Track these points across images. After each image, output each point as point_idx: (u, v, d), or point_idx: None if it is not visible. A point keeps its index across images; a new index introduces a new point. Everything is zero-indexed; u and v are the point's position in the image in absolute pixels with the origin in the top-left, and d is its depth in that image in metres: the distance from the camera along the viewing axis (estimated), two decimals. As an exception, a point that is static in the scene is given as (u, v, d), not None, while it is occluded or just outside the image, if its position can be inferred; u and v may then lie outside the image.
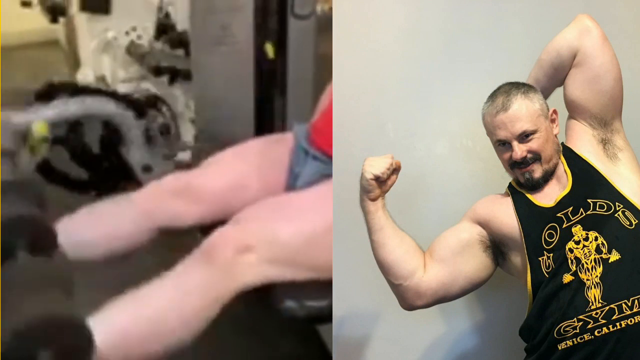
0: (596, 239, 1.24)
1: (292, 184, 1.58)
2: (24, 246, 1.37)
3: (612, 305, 1.19)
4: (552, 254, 1.26)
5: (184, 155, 2.16)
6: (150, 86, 2.53)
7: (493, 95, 1.35)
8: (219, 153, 1.67)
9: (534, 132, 1.30)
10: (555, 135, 1.36)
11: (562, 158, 1.35)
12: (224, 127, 2.07)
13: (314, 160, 1.56)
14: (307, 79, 2.02)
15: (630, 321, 1.18)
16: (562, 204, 1.29)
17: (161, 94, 2.44)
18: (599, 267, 1.22)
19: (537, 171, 1.32)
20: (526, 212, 1.33)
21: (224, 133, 2.04)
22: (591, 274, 1.21)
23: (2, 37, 3.57)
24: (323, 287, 1.39)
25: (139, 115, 2.05)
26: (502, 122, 1.31)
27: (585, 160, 1.34)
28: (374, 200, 1.32)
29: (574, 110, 1.39)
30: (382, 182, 1.31)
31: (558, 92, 1.42)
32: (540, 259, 1.27)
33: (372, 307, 1.70)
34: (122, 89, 2.69)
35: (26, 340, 1.08)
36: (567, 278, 1.23)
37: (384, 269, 1.36)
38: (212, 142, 2.01)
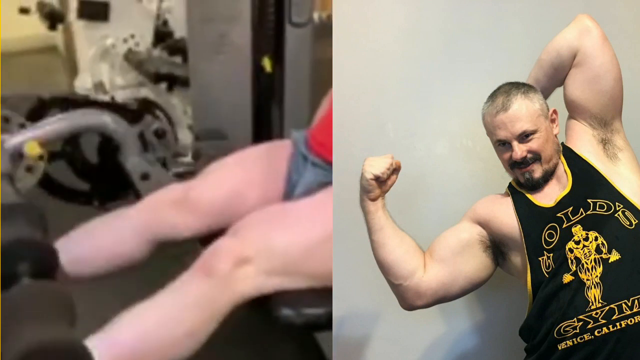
0: (596, 239, 1.24)
1: (290, 192, 1.57)
2: (26, 270, 1.37)
3: (612, 305, 1.19)
4: (552, 254, 1.26)
5: (181, 167, 2.16)
6: (148, 93, 2.53)
7: (493, 95, 1.35)
8: (216, 162, 1.66)
9: (534, 132, 1.30)
10: (555, 135, 1.36)
11: (562, 158, 1.35)
12: (222, 133, 2.08)
13: (313, 167, 1.55)
14: (305, 86, 2.04)
15: (630, 321, 1.18)
16: (562, 204, 1.29)
17: (159, 101, 2.44)
18: (599, 267, 1.22)
19: (537, 171, 1.32)
20: (526, 212, 1.33)
21: (222, 139, 2.05)
22: (591, 274, 1.22)
23: (1, 44, 3.57)
24: (321, 294, 1.39)
25: (133, 122, 2.05)
26: (502, 122, 1.31)
27: (585, 160, 1.34)
28: (374, 200, 1.32)
29: (574, 110, 1.39)
30: (382, 182, 1.31)
31: (558, 92, 1.42)
32: (540, 259, 1.27)
33: (372, 307, 1.70)
34: (120, 95, 2.69)
35: None
36: (567, 278, 1.23)
37: (384, 269, 1.36)
38: (210, 149, 2.01)
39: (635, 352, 1.18)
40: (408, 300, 1.36)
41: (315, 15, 2.06)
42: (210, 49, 2.00)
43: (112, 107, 2.17)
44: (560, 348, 1.23)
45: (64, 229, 1.58)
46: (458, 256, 1.36)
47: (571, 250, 1.24)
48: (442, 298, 1.37)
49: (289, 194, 1.58)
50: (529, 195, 1.34)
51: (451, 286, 1.36)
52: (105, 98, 2.72)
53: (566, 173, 1.33)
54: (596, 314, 1.19)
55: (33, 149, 1.81)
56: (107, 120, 1.95)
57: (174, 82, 2.47)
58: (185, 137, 2.43)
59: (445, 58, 1.67)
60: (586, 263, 1.22)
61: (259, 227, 1.40)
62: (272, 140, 1.84)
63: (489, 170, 1.58)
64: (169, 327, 1.28)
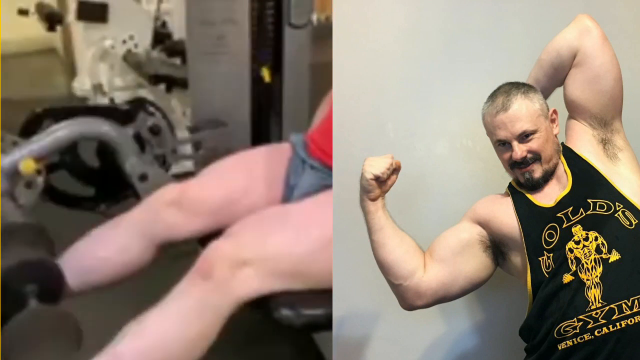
0: (596, 239, 1.24)
1: (288, 196, 1.57)
2: (33, 292, 1.40)
3: (612, 305, 1.19)
4: (552, 254, 1.26)
5: (182, 160, 2.16)
6: (147, 94, 2.54)
7: (493, 95, 1.35)
8: (215, 163, 1.66)
9: (534, 132, 1.30)
10: (555, 135, 1.36)
11: (562, 158, 1.35)
12: (221, 135, 2.08)
13: (312, 170, 1.55)
14: (304, 89, 2.04)
15: (630, 321, 1.18)
16: (562, 204, 1.29)
17: (158, 102, 2.44)
18: (599, 267, 1.22)
19: (537, 171, 1.32)
20: (526, 212, 1.33)
21: (220, 142, 2.05)
22: (591, 274, 1.22)
23: (0, 45, 3.58)
24: (320, 295, 1.39)
25: (126, 123, 2.05)
26: (502, 122, 1.31)
27: (585, 160, 1.34)
28: (374, 200, 1.32)
29: (574, 110, 1.39)
30: (382, 182, 1.31)
31: (558, 92, 1.42)
32: (540, 259, 1.27)
33: (372, 307, 1.70)
34: (119, 97, 2.69)
35: None
36: (567, 278, 1.23)
37: (384, 269, 1.36)
38: (209, 150, 2.02)
39: (635, 352, 1.18)
40: (408, 300, 1.36)
41: (314, 17, 2.06)
42: (209, 51, 2.00)
43: (105, 110, 2.16)
44: (560, 348, 1.23)
45: (74, 236, 1.60)
46: (458, 256, 1.36)
47: (571, 250, 1.24)
48: (442, 298, 1.37)
49: (287, 197, 1.58)
50: (529, 195, 1.34)
51: (451, 286, 1.36)
52: (104, 100, 2.72)
53: (566, 173, 1.33)
54: (596, 314, 1.19)
55: (28, 167, 1.81)
56: (99, 127, 1.94)
57: (173, 83, 2.47)
58: (184, 138, 2.43)
59: (445, 58, 1.67)
60: (586, 263, 1.22)
61: (255, 229, 1.39)
62: (271, 142, 1.84)
63: (489, 170, 1.58)
64: (172, 338, 1.28)
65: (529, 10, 1.66)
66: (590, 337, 1.19)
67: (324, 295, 1.40)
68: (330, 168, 1.52)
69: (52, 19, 3.05)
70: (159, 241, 1.57)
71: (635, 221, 1.25)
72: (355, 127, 1.69)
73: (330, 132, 1.56)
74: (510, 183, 1.40)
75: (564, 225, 1.27)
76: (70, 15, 2.96)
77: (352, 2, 1.68)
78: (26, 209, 1.79)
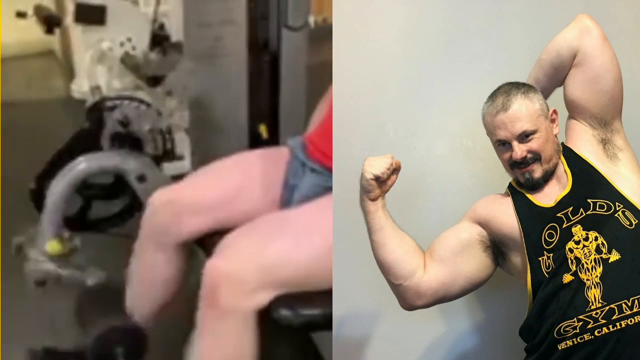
0: (596, 239, 1.24)
1: (289, 197, 1.56)
2: (121, 353, 1.64)
3: (612, 305, 1.19)
4: (552, 254, 1.26)
5: (179, 169, 2.17)
6: (145, 96, 2.54)
7: (493, 95, 1.35)
8: (211, 164, 1.66)
9: (534, 132, 1.30)
10: (555, 135, 1.36)
11: (562, 158, 1.35)
12: (218, 136, 2.09)
13: (313, 173, 1.53)
14: (300, 90, 2.04)
15: (630, 321, 1.18)
16: (562, 204, 1.29)
17: (156, 104, 2.45)
18: (599, 267, 1.22)
19: (537, 171, 1.32)
20: (526, 212, 1.33)
21: (218, 143, 2.06)
22: (591, 274, 1.22)
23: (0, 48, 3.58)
24: (319, 295, 1.39)
25: (99, 133, 2.06)
26: (502, 122, 1.31)
27: (585, 160, 1.34)
28: (374, 200, 1.32)
29: (574, 110, 1.39)
30: (382, 182, 1.31)
31: (558, 92, 1.42)
32: (540, 259, 1.27)
33: (372, 307, 1.70)
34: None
35: None
36: (567, 278, 1.23)
37: (384, 269, 1.36)
38: (206, 152, 2.02)
39: (635, 352, 1.18)
40: (408, 300, 1.36)
41: (311, 19, 2.06)
42: (207, 53, 2.01)
43: (80, 139, 2.15)
44: (560, 348, 1.23)
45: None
46: (458, 256, 1.36)
47: (571, 250, 1.24)
48: (442, 298, 1.37)
49: (287, 201, 1.56)
50: (529, 195, 1.34)
51: (451, 286, 1.36)
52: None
53: (566, 173, 1.33)
54: (596, 314, 1.19)
55: (54, 248, 1.88)
56: (92, 165, 1.96)
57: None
58: (182, 140, 2.44)
59: (445, 58, 1.67)
60: (586, 263, 1.22)
61: (253, 238, 1.38)
62: (268, 144, 1.85)
63: (489, 170, 1.58)
64: None
65: (529, 10, 1.66)
66: (590, 337, 1.19)
67: (322, 295, 1.39)
68: (330, 170, 1.52)
69: (50, 22, 3.04)
70: (174, 242, 1.58)
71: (635, 221, 1.25)
72: (355, 127, 1.69)
73: (329, 133, 1.55)
74: (510, 183, 1.40)
75: (564, 225, 1.27)
76: (68, 18, 2.96)
77: (352, 2, 1.68)
78: (86, 275, 1.91)
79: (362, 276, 1.61)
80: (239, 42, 1.99)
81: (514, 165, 1.33)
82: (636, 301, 1.18)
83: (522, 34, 1.65)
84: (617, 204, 1.26)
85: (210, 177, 1.62)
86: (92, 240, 2.12)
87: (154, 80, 2.46)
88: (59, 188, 1.91)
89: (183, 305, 1.54)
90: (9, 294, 2.04)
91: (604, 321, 1.19)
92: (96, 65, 2.88)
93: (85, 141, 2.05)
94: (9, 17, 3.29)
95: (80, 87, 3.12)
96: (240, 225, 1.42)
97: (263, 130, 2.02)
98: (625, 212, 1.26)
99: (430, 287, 1.34)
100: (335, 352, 1.69)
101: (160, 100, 2.47)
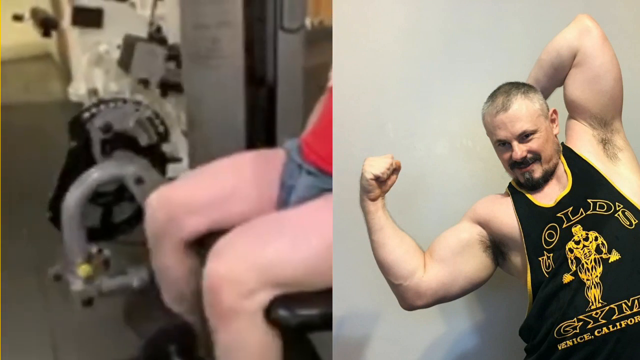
0: (596, 239, 1.24)
1: (286, 198, 1.56)
2: (174, 350, 1.68)
3: (612, 305, 1.19)
4: (552, 254, 1.26)
5: (177, 171, 2.17)
6: (142, 99, 2.54)
7: (493, 95, 1.35)
8: (208, 164, 1.66)
9: (534, 132, 1.30)
10: (555, 135, 1.36)
11: (562, 158, 1.35)
12: (216, 138, 2.10)
13: (308, 175, 1.53)
14: (297, 93, 2.04)
15: (630, 321, 1.18)
16: (562, 204, 1.29)
17: (153, 106, 2.45)
18: (599, 267, 1.22)
19: (537, 171, 1.32)
20: (526, 212, 1.33)
21: (215, 144, 2.06)
22: (591, 274, 1.22)
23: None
24: (316, 295, 1.39)
25: (85, 141, 2.06)
26: (502, 122, 1.31)
27: (585, 160, 1.34)
28: (374, 200, 1.32)
29: (574, 110, 1.39)
30: (382, 182, 1.31)
31: (558, 92, 1.42)
32: (540, 259, 1.27)
33: (372, 307, 1.70)
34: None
35: None
36: (567, 278, 1.23)
37: (384, 269, 1.36)
38: (204, 154, 2.02)
39: (635, 352, 1.18)
40: (408, 300, 1.36)
41: (308, 21, 2.06)
42: (203, 55, 2.01)
43: (76, 151, 2.16)
44: (560, 348, 1.23)
45: None
46: (458, 256, 1.36)
47: (571, 250, 1.24)
48: (442, 298, 1.37)
49: (284, 200, 1.56)
50: (529, 195, 1.34)
51: (451, 286, 1.36)
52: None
53: (566, 173, 1.33)
54: (596, 314, 1.19)
55: (87, 271, 1.88)
56: (95, 176, 1.96)
57: (168, 87, 2.48)
58: (180, 142, 2.44)
59: (445, 58, 1.67)
60: (586, 263, 1.22)
61: (251, 239, 1.38)
62: (264, 146, 1.85)
63: (489, 170, 1.58)
64: None
65: (529, 10, 1.66)
66: (590, 337, 1.19)
67: (320, 296, 1.39)
68: (325, 171, 1.52)
69: (47, 25, 3.05)
70: (177, 241, 1.58)
71: (635, 221, 1.25)
72: (355, 127, 1.69)
73: (324, 135, 1.55)
74: (510, 183, 1.40)
75: (564, 225, 1.27)
76: (65, 21, 2.96)
77: (352, 2, 1.68)
78: (130, 278, 1.93)
79: (362, 276, 1.61)
80: (235, 44, 1.99)
81: (514, 165, 1.33)
82: (636, 301, 1.18)
83: (522, 34, 1.65)
84: (617, 204, 1.26)
85: (206, 177, 1.62)
86: (116, 246, 2.12)
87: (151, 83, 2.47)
88: (70, 212, 1.89)
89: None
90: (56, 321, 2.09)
91: (604, 321, 1.19)
92: (93, 68, 2.89)
93: (79, 158, 2.04)
94: (6, 20, 3.29)
95: (78, 90, 3.13)
96: (237, 226, 1.41)
97: None
98: (625, 212, 1.26)
99: (430, 287, 1.34)
100: (335, 352, 1.69)
101: (157, 102, 2.47)
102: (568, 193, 1.30)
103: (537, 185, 1.33)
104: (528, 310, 1.30)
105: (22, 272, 2.27)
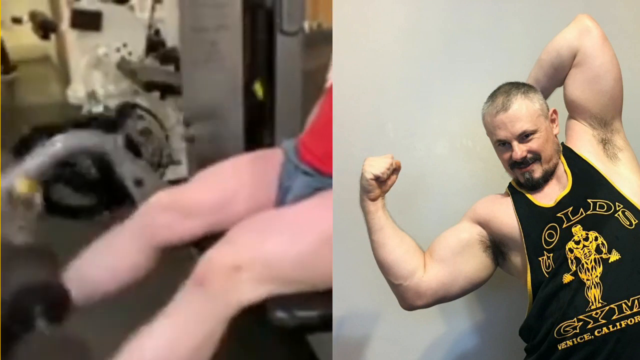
0: (596, 239, 1.24)
1: (282, 199, 1.57)
2: (40, 314, 1.44)
3: (612, 305, 1.19)
4: (552, 254, 1.26)
5: (175, 173, 2.18)
6: (141, 101, 2.55)
7: (493, 95, 1.35)
8: (209, 168, 1.66)
9: (534, 132, 1.30)
10: (555, 135, 1.36)
11: (562, 158, 1.35)
12: (214, 141, 2.10)
13: (304, 175, 1.55)
14: (296, 95, 2.05)
15: (630, 321, 1.18)
16: (562, 204, 1.29)
17: (152, 109, 2.45)
18: (599, 267, 1.22)
19: (537, 171, 1.32)
20: (526, 212, 1.33)
21: (214, 147, 2.07)
22: (591, 274, 1.22)
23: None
24: (315, 296, 1.39)
25: (115, 131, 2.05)
26: (502, 122, 1.31)
27: (585, 160, 1.34)
28: (374, 200, 1.32)
29: (574, 110, 1.39)
30: (382, 182, 1.31)
31: (558, 92, 1.42)
32: (540, 259, 1.27)
33: (372, 307, 1.70)
34: (113, 104, 2.71)
35: None
36: (567, 278, 1.23)
37: (384, 269, 1.36)
38: (202, 157, 2.03)
39: (635, 352, 1.18)
40: (408, 300, 1.36)
41: (306, 24, 2.07)
42: (202, 58, 2.02)
43: (93, 122, 2.17)
44: (560, 348, 1.23)
45: (79, 249, 1.62)
46: (458, 256, 1.36)
47: (571, 250, 1.24)
48: (442, 298, 1.37)
49: (281, 201, 1.58)
50: (529, 195, 1.34)
51: (451, 286, 1.36)
52: (98, 108, 2.72)
53: (566, 173, 1.33)
54: (596, 314, 1.19)
55: (24, 186, 1.82)
56: (90, 140, 1.95)
57: (167, 90, 2.49)
58: (179, 145, 2.45)
59: (445, 58, 1.67)
60: (586, 263, 1.22)
61: (251, 234, 1.39)
62: (263, 148, 1.85)
63: (489, 170, 1.58)
64: (175, 350, 1.29)
65: (529, 10, 1.66)
66: (590, 337, 1.19)
67: (318, 297, 1.39)
68: (320, 171, 1.53)
69: (46, 27, 3.06)
70: (159, 245, 1.57)
71: (635, 221, 1.25)
72: (355, 127, 1.69)
73: (320, 135, 1.56)
74: (510, 183, 1.40)
75: (564, 225, 1.27)
76: (64, 24, 2.96)
77: (352, 2, 1.68)
78: (27, 230, 1.82)
79: (362, 276, 1.61)
80: (234, 46, 2.00)
81: (514, 165, 1.33)
82: (636, 301, 1.18)
83: (522, 34, 1.66)
84: (617, 204, 1.26)
85: (207, 181, 1.63)
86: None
87: (150, 86, 2.48)
88: (53, 148, 1.87)
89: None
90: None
91: (604, 321, 1.19)
92: (92, 71, 2.89)
93: (100, 125, 2.07)
94: (5, 22, 3.29)
95: (76, 93, 3.13)
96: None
97: (258, 89, 2.01)
98: (625, 212, 1.26)
99: (430, 287, 1.34)
100: (335, 352, 1.69)
101: (156, 104, 2.48)
102: (568, 193, 1.30)
103: (537, 185, 1.33)
104: (528, 310, 1.30)
105: None
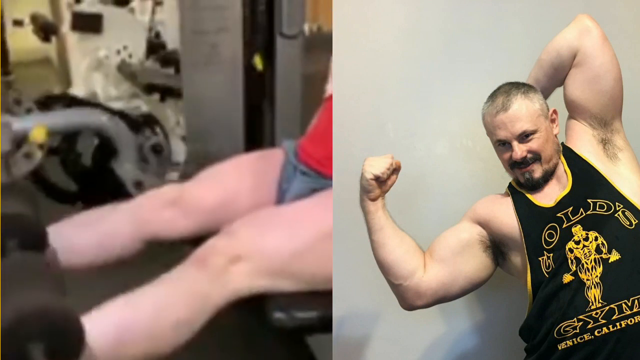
0: (596, 239, 1.24)
1: (281, 199, 1.60)
2: (15, 244, 1.39)
3: (612, 305, 1.19)
4: (552, 254, 1.26)
5: (174, 175, 2.19)
6: (141, 104, 2.55)
7: (493, 95, 1.35)
8: (211, 167, 1.68)
9: (534, 132, 1.30)
10: (555, 135, 1.36)
11: (562, 158, 1.35)
12: (214, 143, 2.11)
13: (302, 176, 1.57)
14: (296, 98, 2.06)
15: (630, 321, 1.18)
16: (562, 204, 1.29)
17: (152, 111, 2.46)
18: (599, 267, 1.21)
19: (537, 171, 1.32)
20: (526, 212, 1.33)
21: (214, 150, 2.07)
22: (591, 274, 1.21)
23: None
24: (314, 297, 1.39)
25: (133, 131, 2.06)
26: (502, 122, 1.31)
27: (585, 160, 1.34)
28: (374, 200, 1.32)
29: (574, 110, 1.39)
30: (382, 182, 1.31)
31: (558, 92, 1.42)
32: (540, 259, 1.27)
33: (372, 307, 1.70)
34: (114, 106, 2.72)
35: (18, 333, 1.07)
36: (567, 278, 1.23)
37: (384, 269, 1.36)
38: (202, 159, 2.03)
39: (635, 352, 1.18)
40: (408, 300, 1.36)
41: (306, 27, 2.07)
42: (202, 60, 2.03)
43: (116, 112, 2.18)
44: (560, 348, 1.23)
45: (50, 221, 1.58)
46: (458, 256, 1.36)
47: (571, 250, 1.24)
48: (442, 298, 1.37)
49: (280, 201, 1.60)
50: (529, 195, 1.34)
51: (451, 286, 1.36)
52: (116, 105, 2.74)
53: (566, 173, 1.33)
54: (596, 314, 1.19)
55: (39, 135, 1.82)
56: (111, 123, 1.96)
57: (167, 93, 2.49)
58: (178, 147, 2.45)
59: (445, 58, 1.67)
60: (586, 263, 1.22)
61: (252, 227, 1.41)
62: (263, 149, 1.86)
63: (489, 170, 1.58)
64: (158, 315, 1.28)
65: (529, 10, 1.66)
66: (590, 337, 1.19)
67: (318, 298, 1.40)
68: (318, 171, 1.54)
69: (47, 30, 3.06)
70: (148, 237, 1.58)
71: (635, 221, 1.25)
72: (355, 127, 1.69)
73: (320, 139, 1.57)
74: (510, 183, 1.40)
75: (564, 225, 1.27)
76: (65, 26, 2.97)
77: (353, 2, 1.68)
78: (14, 177, 1.83)
79: (362, 276, 1.61)
80: (234, 49, 2.01)
81: (514, 165, 1.33)
82: (636, 301, 1.18)
83: (522, 34, 1.66)
84: (617, 204, 1.26)
85: (210, 181, 1.65)
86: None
87: (150, 88, 2.49)
88: (75, 116, 1.94)
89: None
90: None
91: (604, 321, 1.19)
92: (92, 73, 2.89)
93: (123, 116, 2.15)
94: (6, 24, 3.29)
95: (77, 95, 3.13)
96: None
97: (258, 61, 2.02)
98: (625, 212, 1.26)
99: (430, 287, 1.34)
100: (335, 352, 1.69)
101: (157, 107, 2.49)
102: (568, 193, 1.30)
103: (537, 185, 1.33)
104: (528, 310, 1.30)
105: None
